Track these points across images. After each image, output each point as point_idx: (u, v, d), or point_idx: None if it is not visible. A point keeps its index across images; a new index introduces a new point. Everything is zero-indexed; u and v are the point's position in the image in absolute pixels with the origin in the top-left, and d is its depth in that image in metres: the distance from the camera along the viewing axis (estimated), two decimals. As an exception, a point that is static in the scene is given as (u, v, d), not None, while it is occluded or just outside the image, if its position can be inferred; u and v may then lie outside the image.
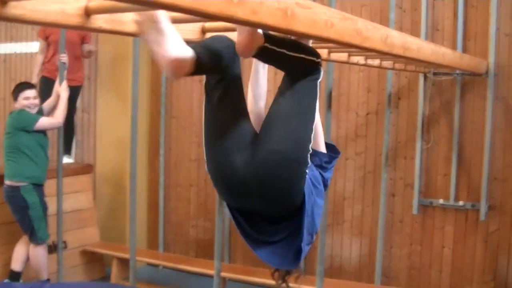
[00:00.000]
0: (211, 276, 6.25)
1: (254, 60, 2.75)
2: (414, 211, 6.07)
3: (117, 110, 7.25)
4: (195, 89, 7.25)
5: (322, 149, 2.73)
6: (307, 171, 2.44)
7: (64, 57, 5.86)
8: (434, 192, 6.04)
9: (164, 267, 7.26)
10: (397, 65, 4.82)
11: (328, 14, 2.06)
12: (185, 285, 6.94)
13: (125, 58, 7.05)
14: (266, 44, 2.24)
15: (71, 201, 6.56)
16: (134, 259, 5.26)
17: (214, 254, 5.00)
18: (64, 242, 6.20)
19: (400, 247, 6.23)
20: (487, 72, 5.57)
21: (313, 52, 2.45)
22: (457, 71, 5.69)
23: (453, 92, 5.89)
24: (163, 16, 1.93)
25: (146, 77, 7.36)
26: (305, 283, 6.10)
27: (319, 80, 2.47)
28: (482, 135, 5.75)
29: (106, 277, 6.95)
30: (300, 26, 1.86)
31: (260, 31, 2.20)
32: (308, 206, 2.46)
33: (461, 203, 5.87)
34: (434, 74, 5.80)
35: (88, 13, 1.80)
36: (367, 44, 2.47)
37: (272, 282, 6.15)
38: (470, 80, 5.81)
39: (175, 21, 2.17)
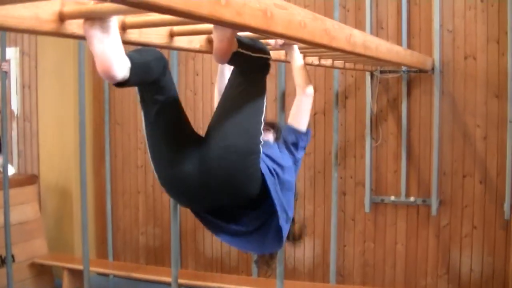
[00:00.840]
0: (163, 283, 6.23)
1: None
2: (366, 209, 6.11)
3: (60, 118, 7.09)
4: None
5: (302, 127, 2.92)
6: (259, 159, 2.49)
7: (5, 66, 5.69)
8: (385, 189, 6.09)
9: (115, 276, 7.14)
10: (347, 64, 4.83)
11: (302, 15, 2.05)
12: (137, 293, 6.86)
13: (66, 64, 6.94)
14: (239, 49, 2.31)
15: (17, 213, 6.37)
16: (88, 269, 5.16)
17: (171, 260, 4.91)
18: (12, 256, 6.02)
19: (354, 245, 6.26)
20: (432, 69, 5.64)
21: (266, 50, 2.57)
22: (404, 68, 5.75)
23: (399, 89, 5.95)
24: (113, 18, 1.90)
25: (88, 84, 7.20)
26: (263, 285, 6.16)
27: (267, 75, 2.57)
28: (430, 130, 5.83)
29: (56, 290, 6.81)
30: (278, 27, 1.84)
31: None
32: (272, 187, 2.52)
33: (412, 199, 5.93)
34: (381, 72, 5.85)
35: (62, 18, 1.73)
36: (334, 44, 2.46)
37: (225, 285, 6.15)
38: (416, 77, 5.88)
39: (141, 25, 2.12)
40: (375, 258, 6.18)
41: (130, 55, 2.10)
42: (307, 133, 3.00)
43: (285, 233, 2.64)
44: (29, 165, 7.52)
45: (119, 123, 7.31)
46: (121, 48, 1.98)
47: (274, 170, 2.58)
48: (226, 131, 2.43)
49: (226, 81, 2.80)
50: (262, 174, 2.50)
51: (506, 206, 5.54)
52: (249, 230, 2.67)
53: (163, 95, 2.43)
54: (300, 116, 3.01)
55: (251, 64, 2.46)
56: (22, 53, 7.47)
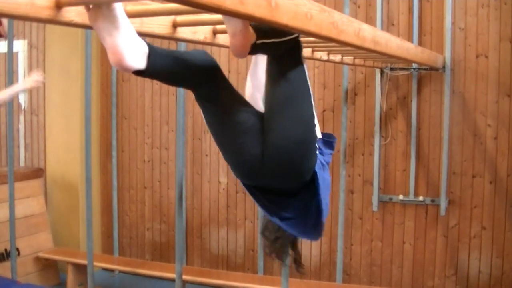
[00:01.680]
0: (168, 279, 6.18)
1: None
2: (374, 207, 6.05)
3: (67, 111, 7.06)
4: (146, 88, 7.11)
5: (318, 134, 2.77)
6: (317, 145, 2.50)
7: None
8: (393, 188, 6.03)
9: (120, 271, 7.11)
10: (357, 61, 4.78)
11: (308, 6, 1.98)
12: (142, 289, 6.82)
13: (74, 57, 6.91)
14: (258, 41, 2.23)
15: (22, 206, 6.36)
16: (92, 264, 5.12)
17: (175, 257, 4.86)
18: (17, 249, 6.00)
19: (361, 244, 6.21)
20: (443, 67, 5.58)
21: (290, 32, 2.37)
22: (414, 66, 5.69)
23: (409, 87, 5.89)
24: (118, 5, 1.84)
25: (95, 77, 7.19)
26: (269, 283, 6.11)
27: (302, 54, 2.46)
28: (439, 129, 5.76)
29: (61, 284, 6.76)
30: (283, 17, 1.78)
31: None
32: (320, 180, 2.49)
33: (420, 198, 5.87)
34: (391, 69, 5.78)
35: (59, 5, 1.68)
36: (342, 38, 2.39)
37: (230, 283, 6.13)
38: (426, 75, 5.81)
39: (142, 14, 2.07)
40: (382, 258, 6.12)
41: (155, 47, 2.09)
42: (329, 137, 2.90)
43: (322, 227, 2.64)
44: (35, 158, 7.50)
45: (127, 118, 7.27)
46: (133, 36, 1.94)
47: (320, 166, 2.55)
48: (286, 122, 2.37)
49: (259, 71, 2.81)
50: (314, 167, 2.49)
51: (516, 207, 5.48)
52: (286, 216, 2.63)
53: (214, 91, 2.43)
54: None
55: (280, 49, 2.37)
56: (30, 45, 7.44)
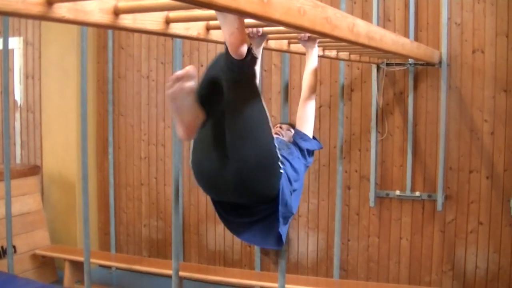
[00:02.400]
0: (165, 276, 6.17)
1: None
2: (371, 203, 6.04)
3: (63, 109, 7.05)
4: (143, 86, 7.10)
5: (310, 134, 2.97)
6: (280, 168, 2.53)
7: None
8: (390, 183, 6.02)
9: (117, 268, 7.10)
10: (353, 56, 4.77)
11: (300, 1, 1.97)
12: (140, 286, 6.81)
13: (69, 54, 6.90)
14: (251, 45, 2.27)
15: (19, 204, 6.36)
16: (89, 261, 5.11)
17: (172, 253, 4.85)
18: (14, 247, 5.98)
19: (358, 240, 6.20)
20: (440, 62, 5.57)
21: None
22: (410, 62, 5.68)
23: (406, 83, 5.88)
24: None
25: (92, 74, 7.18)
26: (266, 279, 6.11)
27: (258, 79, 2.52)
28: (436, 125, 5.76)
29: (58, 281, 6.75)
30: (275, 13, 1.77)
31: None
32: (281, 197, 2.57)
33: (417, 194, 5.87)
34: (387, 64, 5.77)
35: (50, 1, 1.67)
36: (336, 33, 2.38)
37: (227, 279, 6.13)
38: (422, 70, 5.81)
39: (135, 9, 2.06)
40: (380, 253, 6.12)
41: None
42: (316, 139, 3.14)
43: (284, 236, 2.70)
44: (32, 156, 7.48)
45: (123, 115, 7.26)
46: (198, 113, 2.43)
47: (289, 177, 2.66)
48: (244, 151, 2.43)
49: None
50: (278, 186, 2.56)
51: (513, 202, 5.48)
52: (253, 220, 2.71)
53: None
54: (310, 122, 3.17)
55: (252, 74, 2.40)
56: (26, 43, 7.42)
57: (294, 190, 2.71)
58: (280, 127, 3.24)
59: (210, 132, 2.53)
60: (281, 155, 2.59)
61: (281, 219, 2.63)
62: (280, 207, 2.59)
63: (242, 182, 2.47)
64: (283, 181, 2.57)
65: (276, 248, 2.89)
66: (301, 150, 2.99)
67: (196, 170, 2.63)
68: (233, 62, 2.24)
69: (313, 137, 3.16)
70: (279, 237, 2.69)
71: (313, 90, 3.22)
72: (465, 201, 5.74)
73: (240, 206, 2.69)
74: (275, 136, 2.62)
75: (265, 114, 2.47)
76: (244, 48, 2.21)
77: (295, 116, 3.31)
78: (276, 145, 2.51)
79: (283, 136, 3.11)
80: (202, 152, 2.58)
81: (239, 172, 2.44)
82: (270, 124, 2.50)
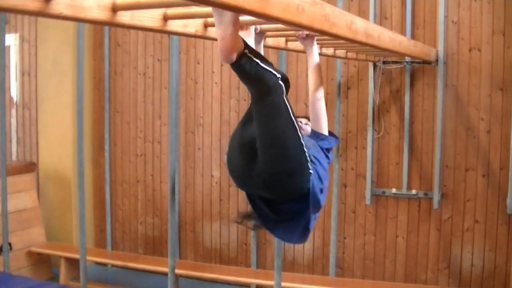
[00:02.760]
0: (161, 273, 6.17)
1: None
2: (367, 201, 6.04)
3: (59, 105, 7.03)
4: (139, 82, 7.09)
5: (325, 132, 3.07)
6: (310, 169, 2.63)
7: None
8: (386, 181, 6.03)
9: (113, 265, 7.10)
10: (349, 54, 4.76)
11: (299, -2, 1.96)
12: (135, 283, 6.79)
13: (66, 51, 6.89)
14: (246, 51, 2.28)
15: (15, 201, 6.34)
16: (85, 258, 5.11)
17: (168, 251, 4.86)
18: (9, 244, 5.97)
19: (354, 237, 6.20)
20: (436, 60, 5.57)
21: (277, 69, 2.50)
22: (407, 60, 5.68)
23: (402, 81, 5.88)
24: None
25: (88, 71, 7.16)
26: (262, 277, 6.12)
27: (285, 94, 2.53)
28: (432, 123, 5.76)
29: (54, 278, 6.74)
30: (274, 10, 1.77)
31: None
32: (312, 196, 2.66)
33: (413, 192, 5.87)
34: (384, 62, 5.77)
35: (47, -3, 1.67)
36: (334, 31, 2.38)
37: (223, 277, 6.16)
38: (419, 68, 5.81)
39: (133, 6, 2.05)
40: (376, 251, 6.12)
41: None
42: (333, 136, 3.19)
43: (310, 232, 2.83)
44: (27, 152, 7.47)
45: (119, 112, 7.25)
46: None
47: (319, 176, 2.73)
48: (273, 160, 2.53)
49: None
50: (309, 185, 2.65)
51: (509, 201, 5.48)
52: (285, 218, 2.81)
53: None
54: (324, 119, 3.21)
55: (262, 80, 2.41)
56: (22, 39, 7.40)
57: (322, 188, 2.77)
58: (300, 122, 3.24)
59: (246, 130, 2.62)
60: (311, 154, 2.70)
61: (312, 216, 2.73)
62: (311, 205, 2.67)
63: (272, 183, 2.58)
64: (314, 180, 2.66)
65: (300, 243, 3.13)
66: (322, 149, 3.03)
67: (229, 165, 2.75)
68: (231, 65, 2.28)
69: (329, 132, 3.20)
70: (304, 232, 2.80)
71: (320, 87, 3.22)
72: (461, 199, 5.74)
73: (273, 203, 2.77)
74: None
75: (291, 118, 2.54)
76: (233, 55, 2.22)
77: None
78: (305, 148, 2.60)
79: (303, 130, 3.11)
80: (237, 149, 2.66)
81: (269, 175, 2.54)
82: (297, 126, 2.57)
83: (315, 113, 3.23)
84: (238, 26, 2.18)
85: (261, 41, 3.11)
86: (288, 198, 2.71)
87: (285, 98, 2.53)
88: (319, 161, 2.79)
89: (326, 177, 2.83)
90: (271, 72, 2.41)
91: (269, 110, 2.47)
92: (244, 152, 2.62)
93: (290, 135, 2.53)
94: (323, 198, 2.78)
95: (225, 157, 2.79)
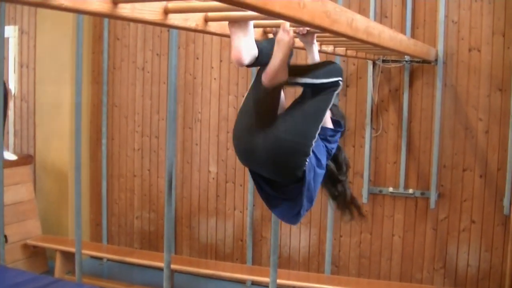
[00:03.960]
0: (157, 268, 6.16)
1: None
2: (364, 199, 6.03)
3: (57, 99, 7.01)
4: (137, 77, 7.07)
5: (329, 125, 3.05)
6: (307, 159, 2.78)
7: None
8: (383, 180, 6.03)
9: (108, 259, 7.10)
10: (349, 52, 4.75)
11: (300, -6, 1.95)
12: (131, 277, 6.78)
13: (65, 44, 6.87)
14: (288, 79, 2.68)
15: (11, 193, 6.32)
16: (80, 252, 5.10)
17: (164, 246, 4.84)
18: (5, 236, 5.96)
19: (350, 236, 6.20)
20: (436, 60, 5.57)
21: (335, 72, 2.87)
22: (406, 58, 5.67)
23: (401, 80, 5.88)
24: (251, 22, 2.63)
25: (86, 65, 7.15)
26: (257, 274, 6.11)
27: (337, 92, 2.88)
28: (431, 122, 5.76)
29: (49, 271, 6.72)
30: (275, 5, 1.75)
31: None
32: (307, 181, 2.80)
33: (410, 191, 5.87)
34: (383, 61, 5.77)
35: (49, -12, 1.65)
36: (335, 28, 2.36)
37: (219, 273, 6.11)
38: (418, 68, 5.81)
39: None
40: (371, 250, 6.12)
41: (261, 46, 2.72)
42: (339, 125, 3.19)
43: (302, 215, 2.97)
44: (25, 145, 7.44)
45: (117, 106, 7.23)
46: (253, 43, 2.66)
47: (314, 167, 2.85)
48: (290, 128, 2.74)
49: None
50: (304, 170, 2.78)
51: (506, 201, 5.49)
52: (284, 197, 2.97)
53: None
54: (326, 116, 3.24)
55: (316, 87, 2.80)
56: (21, 31, 7.37)
57: (316, 177, 2.88)
58: None
59: (256, 104, 2.78)
60: (314, 147, 2.85)
61: (304, 201, 2.85)
62: (305, 190, 2.80)
63: (274, 153, 2.72)
64: (309, 166, 2.79)
65: (292, 224, 3.36)
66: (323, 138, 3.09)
67: (235, 139, 2.91)
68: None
69: (333, 122, 3.17)
70: (297, 215, 2.95)
71: None
72: (458, 199, 5.75)
73: (274, 183, 2.94)
74: None
75: (323, 117, 2.82)
76: (272, 84, 2.61)
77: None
78: (314, 143, 2.79)
79: None
80: (244, 123, 2.83)
81: (272, 147, 2.71)
82: (321, 122, 2.81)
83: None
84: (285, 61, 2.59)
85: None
86: (284, 179, 2.87)
87: (335, 94, 2.86)
88: (315, 153, 2.86)
89: (322, 168, 2.93)
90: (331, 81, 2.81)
91: (318, 99, 2.81)
92: (253, 125, 2.77)
93: (318, 121, 2.78)
94: (315, 191, 2.92)
95: (233, 130, 2.93)
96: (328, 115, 3.02)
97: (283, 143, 2.71)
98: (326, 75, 2.83)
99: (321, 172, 2.94)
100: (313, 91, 2.83)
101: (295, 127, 2.74)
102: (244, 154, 2.90)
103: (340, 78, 2.86)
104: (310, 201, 2.91)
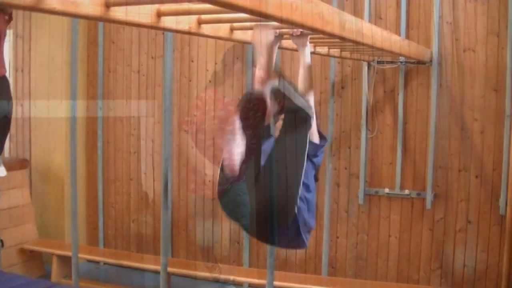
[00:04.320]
0: (153, 271, 6.15)
1: None
2: (360, 200, 6.04)
3: (53, 103, 7.00)
4: (133, 80, 7.07)
5: (316, 138, 3.08)
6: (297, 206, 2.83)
7: None
8: (379, 181, 6.03)
9: (105, 263, 7.08)
10: (344, 53, 4.76)
11: (292, -5, 1.96)
12: (127, 281, 6.77)
13: (59, 48, 6.86)
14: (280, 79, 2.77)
15: (7, 197, 6.30)
16: (77, 256, 5.09)
17: (161, 249, 4.84)
18: (1, 241, 5.95)
19: (346, 237, 6.20)
20: (431, 61, 5.57)
21: (307, 105, 2.91)
22: (401, 60, 5.68)
23: (396, 81, 5.89)
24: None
25: (82, 68, 7.14)
26: (254, 276, 6.11)
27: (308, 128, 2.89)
28: (426, 123, 5.77)
29: (46, 275, 6.71)
30: (268, 8, 1.76)
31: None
32: (300, 219, 2.88)
33: (406, 192, 5.88)
34: (378, 62, 5.77)
35: (40, -8, 1.66)
36: (328, 29, 2.38)
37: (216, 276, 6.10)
38: (413, 69, 5.81)
39: (127, 2, 2.04)
40: (368, 251, 6.12)
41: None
42: (323, 136, 3.21)
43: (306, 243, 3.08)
44: (20, 149, 7.43)
45: (113, 109, 7.23)
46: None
47: (304, 199, 2.91)
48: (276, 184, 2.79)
49: None
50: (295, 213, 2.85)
51: (501, 202, 5.49)
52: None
53: None
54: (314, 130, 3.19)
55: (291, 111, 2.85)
56: (16, 36, 7.36)
57: (309, 205, 2.97)
58: None
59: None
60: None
61: (302, 231, 2.93)
62: (300, 226, 2.88)
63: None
64: (299, 207, 2.85)
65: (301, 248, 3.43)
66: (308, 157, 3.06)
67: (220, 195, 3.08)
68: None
69: (320, 135, 3.18)
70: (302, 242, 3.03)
71: (309, 91, 3.26)
72: (454, 199, 5.75)
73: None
74: None
75: (304, 160, 2.84)
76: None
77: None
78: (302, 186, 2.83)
79: None
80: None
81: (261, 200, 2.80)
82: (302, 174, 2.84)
83: None
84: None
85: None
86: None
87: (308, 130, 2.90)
88: (305, 184, 2.89)
89: (311, 195, 3.01)
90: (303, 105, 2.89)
91: (293, 140, 2.88)
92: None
93: (300, 167, 2.84)
94: (311, 216, 3.03)
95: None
96: (314, 124, 3.03)
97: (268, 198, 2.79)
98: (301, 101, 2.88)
99: (311, 196, 2.97)
100: (288, 127, 2.86)
101: (283, 181, 2.77)
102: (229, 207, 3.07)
103: (312, 111, 2.92)
104: (309, 223, 2.99)
